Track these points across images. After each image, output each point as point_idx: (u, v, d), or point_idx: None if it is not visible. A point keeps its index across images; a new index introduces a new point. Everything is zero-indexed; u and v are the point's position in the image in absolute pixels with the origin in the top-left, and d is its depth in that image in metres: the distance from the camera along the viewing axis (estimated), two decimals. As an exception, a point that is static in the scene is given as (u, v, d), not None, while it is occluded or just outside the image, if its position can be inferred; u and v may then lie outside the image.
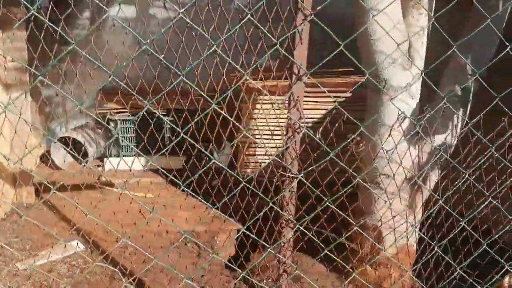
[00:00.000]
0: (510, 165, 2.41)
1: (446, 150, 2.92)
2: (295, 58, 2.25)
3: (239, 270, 2.26)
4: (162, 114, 5.27)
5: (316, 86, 4.96)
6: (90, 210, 4.31)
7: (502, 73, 3.05)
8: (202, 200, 2.18)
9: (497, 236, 2.61)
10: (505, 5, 2.86)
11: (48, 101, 4.97)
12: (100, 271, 3.52)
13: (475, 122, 2.33)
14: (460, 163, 2.55)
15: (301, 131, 2.32)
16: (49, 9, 1.99)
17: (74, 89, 4.92)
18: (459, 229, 2.48)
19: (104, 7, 1.70)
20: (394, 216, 2.60)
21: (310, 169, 2.13)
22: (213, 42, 1.80)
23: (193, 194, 2.20)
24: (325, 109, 5.08)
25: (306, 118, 4.81)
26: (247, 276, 2.56)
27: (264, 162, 5.03)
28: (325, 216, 2.45)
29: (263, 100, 4.73)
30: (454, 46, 2.16)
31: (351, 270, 2.52)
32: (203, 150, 2.04)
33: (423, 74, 3.00)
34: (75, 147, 5.39)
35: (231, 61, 1.96)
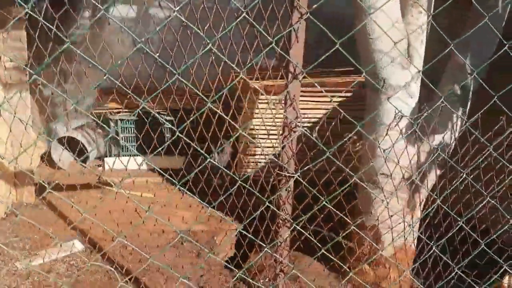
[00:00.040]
0: (508, 165, 2.39)
1: (444, 149, 2.91)
2: (291, 56, 2.24)
3: (236, 270, 2.25)
4: (162, 114, 5.30)
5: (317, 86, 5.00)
6: (90, 209, 4.36)
7: (502, 70, 3.04)
8: (198, 199, 2.17)
9: (495, 236, 2.58)
10: (504, 3, 2.85)
11: (49, 101, 4.97)
12: (99, 271, 3.52)
13: (473, 121, 2.31)
14: (459, 163, 2.53)
15: (298, 130, 2.31)
16: (44, 8, 1.99)
17: (74, 88, 4.95)
18: (456, 228, 2.46)
19: (99, 5, 1.68)
20: (391, 216, 2.58)
21: (306, 168, 2.12)
22: (208, 41, 1.79)
23: (189, 193, 2.19)
24: (326, 109, 5.06)
25: (307, 118, 4.86)
26: (243, 276, 2.54)
27: (260, 162, 5.03)
28: (322, 215, 2.44)
29: (261, 99, 4.71)
30: (452, 45, 2.15)
31: (348, 269, 2.50)
32: (198, 149, 2.03)
33: (420, 73, 3.02)
34: (76, 147, 5.39)
35: (226, 60, 1.95)
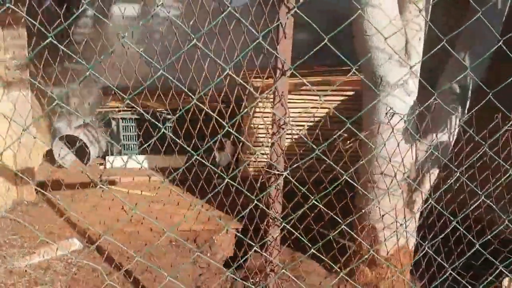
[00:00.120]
0: (504, 163, 2.34)
1: (437, 147, 2.86)
2: (279, 52, 2.21)
3: (226, 269, 2.22)
4: (163, 113, 5.29)
5: (320, 84, 4.97)
6: (90, 208, 4.37)
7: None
8: (183, 197, 2.14)
9: (489, 235, 2.53)
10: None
11: (52, 99, 4.99)
12: (97, 269, 3.51)
13: (467, 119, 2.27)
14: (457, 162, 2.49)
15: (286, 127, 2.27)
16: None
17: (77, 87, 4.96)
18: (450, 229, 2.41)
19: (83, 1, 1.67)
20: (383, 215, 2.54)
21: (295, 166, 2.08)
22: (193, 36, 1.77)
23: (179, 193, 2.17)
24: (327, 108, 5.02)
25: (309, 117, 4.82)
26: (234, 277, 2.52)
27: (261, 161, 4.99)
28: (313, 214, 2.40)
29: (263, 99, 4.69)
30: (444, 40, 2.10)
31: (338, 270, 2.46)
32: (185, 146, 2.00)
33: (416, 71, 2.97)
34: (78, 146, 5.41)
35: (212, 56, 1.93)
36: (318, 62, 5.12)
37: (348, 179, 2.13)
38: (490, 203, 2.42)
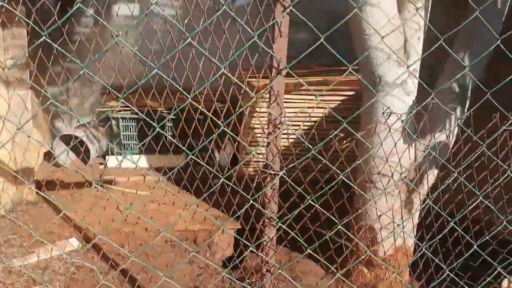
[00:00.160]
0: (502, 163, 2.32)
1: (436, 147, 2.84)
2: (274, 51, 2.19)
3: (221, 269, 2.21)
4: (163, 113, 5.28)
5: (320, 84, 4.95)
6: (89, 207, 4.36)
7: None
8: (179, 196, 2.13)
9: (487, 236, 2.51)
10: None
11: (46, 99, 4.97)
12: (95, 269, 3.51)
13: (465, 118, 2.25)
14: (455, 162, 2.47)
15: (282, 126, 2.26)
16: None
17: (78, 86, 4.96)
18: (448, 229, 2.40)
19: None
20: (380, 216, 2.52)
21: (291, 166, 2.07)
22: (187, 34, 1.76)
23: (173, 191, 2.16)
24: (327, 108, 5.01)
25: (309, 117, 4.80)
26: (229, 277, 2.50)
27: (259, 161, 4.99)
28: (309, 214, 2.39)
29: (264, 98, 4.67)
30: (442, 39, 2.08)
31: (335, 270, 2.45)
32: (180, 145, 1.99)
33: (415, 70, 2.96)
34: (78, 145, 5.41)
35: (207, 55, 1.92)
36: (315, 61, 5.10)
37: (345, 179, 2.11)
38: (488, 203, 2.40)
